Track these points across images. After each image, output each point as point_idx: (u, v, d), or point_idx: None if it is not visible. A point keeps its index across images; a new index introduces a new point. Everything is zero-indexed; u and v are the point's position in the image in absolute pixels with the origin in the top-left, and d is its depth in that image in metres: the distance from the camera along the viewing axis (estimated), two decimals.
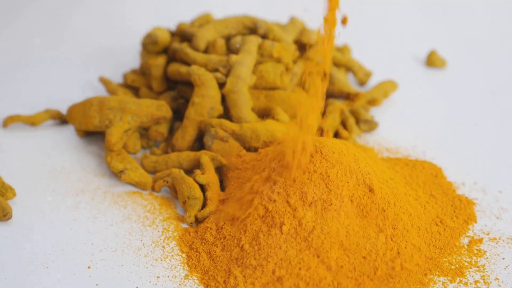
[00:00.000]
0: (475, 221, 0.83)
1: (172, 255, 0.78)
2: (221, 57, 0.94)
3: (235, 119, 0.91)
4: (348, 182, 0.77)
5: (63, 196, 0.86)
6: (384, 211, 0.77)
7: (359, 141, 0.97)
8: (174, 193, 0.87)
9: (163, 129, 0.94)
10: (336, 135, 0.96)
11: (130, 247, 0.79)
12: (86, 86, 1.08)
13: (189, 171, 0.89)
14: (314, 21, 0.78)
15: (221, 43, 0.96)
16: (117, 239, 0.80)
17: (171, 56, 0.99)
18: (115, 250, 0.78)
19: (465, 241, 0.80)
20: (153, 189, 0.88)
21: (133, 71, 1.05)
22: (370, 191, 0.77)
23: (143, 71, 1.03)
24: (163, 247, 0.79)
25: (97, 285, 0.74)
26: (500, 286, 0.74)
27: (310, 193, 0.76)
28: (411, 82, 1.12)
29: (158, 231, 0.81)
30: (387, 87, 1.06)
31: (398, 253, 0.75)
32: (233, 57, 0.93)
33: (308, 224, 0.74)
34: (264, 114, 0.94)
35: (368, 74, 1.09)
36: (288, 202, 0.76)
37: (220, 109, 0.92)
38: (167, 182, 0.87)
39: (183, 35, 1.02)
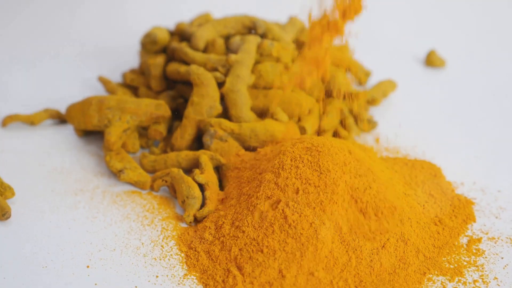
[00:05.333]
0: (474, 220, 0.83)
1: (171, 255, 0.78)
2: (220, 57, 0.94)
3: (234, 118, 0.91)
4: (347, 181, 0.77)
5: (62, 196, 0.86)
6: (383, 210, 0.77)
7: (358, 140, 0.97)
8: (173, 192, 0.87)
9: (162, 128, 0.94)
10: (335, 134, 0.96)
11: (129, 246, 0.79)
12: (85, 86, 1.08)
13: (188, 171, 0.89)
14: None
15: (220, 42, 0.96)
16: (116, 238, 0.80)
17: (170, 55, 0.99)
18: (114, 250, 0.78)
19: (464, 240, 0.80)
20: (152, 188, 0.88)
21: (132, 71, 1.05)
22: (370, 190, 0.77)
23: (142, 71, 1.03)
24: (162, 246, 0.79)
25: (96, 284, 0.74)
26: (499, 285, 0.74)
27: (309, 193, 0.76)
28: (410, 81, 1.12)
29: (157, 231, 0.81)
30: (386, 87, 1.06)
31: (398, 253, 0.75)
32: (232, 57, 0.93)
33: (307, 224, 0.74)
34: (263, 113, 0.94)
35: (367, 74, 1.09)
36: (287, 202, 0.76)
37: (219, 108, 0.92)
38: (166, 181, 0.87)
39: (182, 34, 1.02)
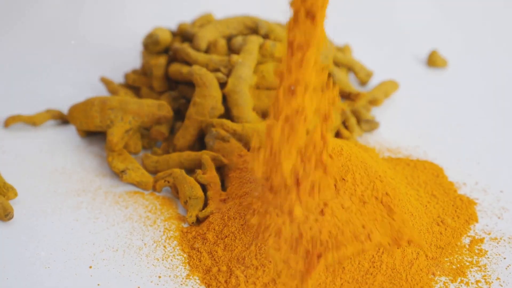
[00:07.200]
0: (476, 221, 0.83)
1: (174, 255, 0.78)
2: (222, 57, 0.94)
3: (236, 119, 0.92)
4: (348, 182, 0.77)
5: (64, 196, 0.86)
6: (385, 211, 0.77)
7: (360, 141, 0.97)
8: (175, 193, 0.87)
9: (164, 129, 0.94)
10: (337, 135, 0.96)
11: (131, 247, 0.79)
12: (87, 86, 1.08)
13: (190, 171, 0.89)
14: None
15: (222, 43, 0.96)
16: (118, 239, 0.80)
17: (172, 56, 0.99)
18: (117, 250, 0.78)
19: (466, 241, 0.80)
20: (154, 189, 0.88)
21: (134, 71, 1.05)
22: (375, 190, 0.77)
23: (144, 71, 1.03)
24: (164, 247, 0.79)
25: (98, 285, 0.74)
26: (501, 286, 0.74)
27: (313, 193, 0.76)
28: (412, 82, 1.12)
29: (160, 231, 0.81)
30: (388, 87, 1.06)
31: (400, 253, 0.75)
32: (234, 57, 0.93)
33: (311, 224, 0.74)
34: (265, 114, 0.94)
35: (369, 74, 1.09)
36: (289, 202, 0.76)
37: (221, 109, 0.92)
38: (168, 182, 0.87)
39: (184, 35, 1.02)
